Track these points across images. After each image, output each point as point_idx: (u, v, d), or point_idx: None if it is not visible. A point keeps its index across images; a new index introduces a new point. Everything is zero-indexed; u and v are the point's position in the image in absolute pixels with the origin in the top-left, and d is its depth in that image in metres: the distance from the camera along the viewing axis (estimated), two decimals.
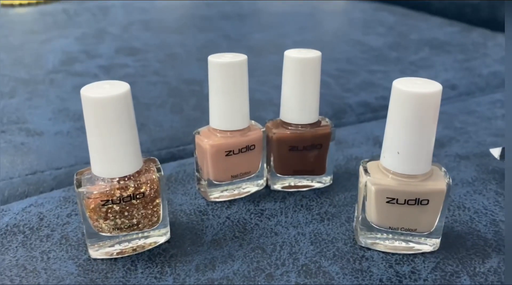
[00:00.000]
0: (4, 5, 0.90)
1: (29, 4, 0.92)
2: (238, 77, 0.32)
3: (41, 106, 0.50)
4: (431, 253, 0.29)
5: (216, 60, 0.31)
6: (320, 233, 0.31)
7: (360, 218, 0.29)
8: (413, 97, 0.25)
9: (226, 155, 0.33)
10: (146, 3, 0.99)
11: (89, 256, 0.29)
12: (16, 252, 0.29)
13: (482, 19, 0.93)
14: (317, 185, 0.36)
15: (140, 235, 0.30)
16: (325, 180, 0.37)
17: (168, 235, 0.30)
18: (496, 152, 0.38)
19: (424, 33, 0.86)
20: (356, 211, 0.30)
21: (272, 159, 0.35)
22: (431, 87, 0.25)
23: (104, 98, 0.25)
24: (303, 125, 0.35)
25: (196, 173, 0.35)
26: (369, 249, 0.29)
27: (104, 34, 0.76)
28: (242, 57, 0.32)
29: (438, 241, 0.29)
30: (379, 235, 0.29)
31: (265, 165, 0.36)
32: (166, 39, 0.75)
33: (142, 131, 0.46)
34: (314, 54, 0.33)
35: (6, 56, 0.65)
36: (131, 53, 0.66)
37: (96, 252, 0.29)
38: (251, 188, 0.36)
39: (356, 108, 0.54)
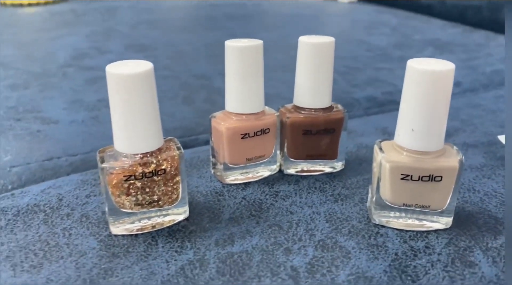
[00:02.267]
0: (13, 5, 0.92)
1: (37, 4, 0.94)
2: (254, 61, 0.33)
3: (55, 97, 0.51)
4: (444, 230, 0.30)
5: (234, 44, 0.32)
6: (334, 212, 0.32)
7: (374, 198, 0.30)
8: (427, 74, 0.26)
9: (242, 138, 0.34)
10: (152, 4, 1.01)
11: (110, 233, 0.30)
12: (38, 229, 0.30)
13: (483, 21, 0.95)
14: (329, 170, 0.37)
15: (159, 212, 0.30)
16: (337, 165, 0.37)
17: (187, 213, 0.31)
18: (504, 139, 0.39)
19: (427, 34, 0.88)
20: (370, 192, 0.31)
21: (286, 143, 0.36)
22: (444, 66, 0.26)
23: (129, 75, 0.26)
24: (316, 110, 0.35)
25: (212, 158, 0.36)
26: (383, 226, 0.30)
27: (113, 32, 0.77)
28: (258, 42, 0.33)
29: (450, 219, 0.30)
30: (392, 214, 0.30)
31: (278, 150, 0.37)
32: (174, 38, 0.76)
33: None
34: (328, 39, 0.34)
35: (17, 52, 0.66)
36: (140, 50, 0.67)
37: (117, 229, 0.30)
38: (264, 172, 0.36)
39: (363, 103, 0.55)
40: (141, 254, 0.28)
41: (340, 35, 0.87)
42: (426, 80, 0.26)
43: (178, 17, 0.95)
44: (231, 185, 0.35)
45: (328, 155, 0.37)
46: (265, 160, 0.36)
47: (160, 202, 0.30)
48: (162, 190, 0.29)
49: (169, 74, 0.58)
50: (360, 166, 0.38)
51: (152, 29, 0.81)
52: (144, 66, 0.27)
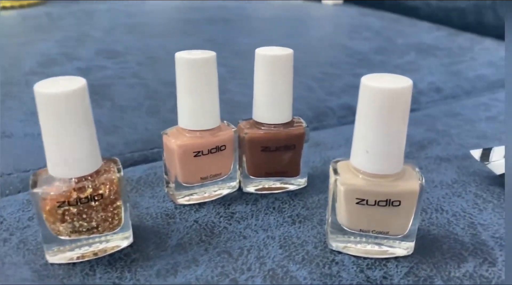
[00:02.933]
0: None
1: (12, 7, 0.91)
2: (206, 74, 0.31)
3: (13, 108, 0.48)
4: (404, 257, 0.28)
5: (184, 56, 0.30)
6: (290, 236, 0.30)
7: (330, 220, 0.28)
8: (381, 92, 0.24)
9: (195, 156, 0.32)
10: (132, 8, 0.98)
11: (47, 261, 0.27)
12: None
13: (469, 24, 0.93)
14: (291, 187, 0.35)
15: (101, 238, 0.28)
16: (300, 182, 0.35)
17: (131, 239, 0.29)
18: (476, 154, 0.37)
19: (411, 37, 0.86)
20: (327, 213, 0.29)
21: (244, 160, 0.34)
22: (400, 83, 0.24)
23: (57, 94, 0.24)
24: (276, 125, 0.33)
25: (165, 176, 0.34)
26: (340, 252, 0.28)
27: (86, 37, 0.75)
28: (210, 54, 0.31)
29: (412, 244, 0.28)
30: (351, 239, 0.28)
31: (237, 166, 0.35)
32: (149, 43, 0.74)
33: (115, 134, 0.44)
34: (286, 51, 0.32)
35: None
36: (111, 56, 0.65)
37: (54, 257, 0.27)
38: (222, 190, 0.34)
39: (337, 111, 0.53)
40: None
41: (321, 39, 0.85)
42: (381, 99, 0.24)
43: (157, 21, 0.92)
44: (184, 205, 0.33)
45: (289, 171, 0.35)
46: (223, 178, 0.34)
47: (99, 228, 0.28)
48: (101, 216, 0.27)
49: (137, 82, 0.56)
50: (324, 182, 0.36)
51: (127, 33, 0.79)
52: (75, 83, 0.25)
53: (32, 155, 0.40)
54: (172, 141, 0.31)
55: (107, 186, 0.27)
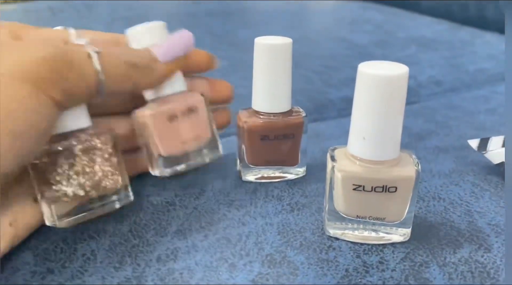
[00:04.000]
0: None
1: (14, 1, 0.91)
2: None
3: None
4: (401, 243, 0.28)
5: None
6: (288, 223, 0.30)
7: (327, 207, 0.28)
8: (378, 79, 0.24)
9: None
10: (130, 1, 0.98)
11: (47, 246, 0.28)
12: None
13: (470, 17, 0.93)
14: (290, 176, 0.36)
15: None
16: (299, 171, 0.36)
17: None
18: (474, 144, 0.37)
19: (411, 31, 0.86)
20: (324, 200, 0.29)
21: (244, 149, 0.34)
22: (396, 70, 0.25)
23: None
24: (275, 114, 0.34)
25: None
26: (337, 239, 0.28)
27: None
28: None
29: (408, 231, 0.28)
30: (348, 225, 0.28)
31: (245, 156, 0.35)
32: None
33: None
34: (285, 40, 0.32)
35: None
36: None
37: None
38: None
39: (338, 103, 0.54)
40: (77, 270, 0.26)
41: (321, 32, 0.85)
42: (377, 86, 0.25)
43: (157, 14, 0.93)
44: (184, 193, 0.33)
45: (288, 160, 0.35)
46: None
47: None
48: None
49: None
50: (323, 172, 0.36)
51: (128, 26, 0.79)
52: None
53: None
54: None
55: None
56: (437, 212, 0.31)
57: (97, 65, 0.25)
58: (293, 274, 0.25)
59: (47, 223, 0.27)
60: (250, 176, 0.35)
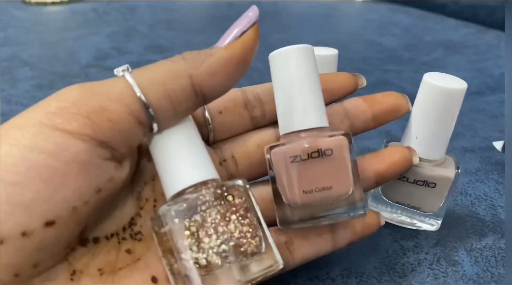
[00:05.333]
0: (38, 3, 0.96)
1: (61, 3, 0.97)
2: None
3: None
4: (433, 231, 0.32)
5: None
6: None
7: (373, 191, 0.33)
8: (440, 90, 0.28)
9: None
10: (169, 3, 1.04)
11: None
12: None
13: (497, 21, 0.96)
14: None
15: None
16: None
17: None
18: (498, 145, 0.41)
19: (438, 34, 0.89)
20: None
21: None
22: (457, 84, 0.29)
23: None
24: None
25: None
26: None
27: (133, 32, 0.80)
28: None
29: (439, 222, 0.32)
30: (386, 208, 0.33)
31: None
32: (190, 38, 0.79)
33: None
34: (331, 52, 0.37)
35: (42, 51, 0.69)
36: (159, 51, 0.70)
37: None
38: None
39: None
40: None
41: (351, 35, 0.89)
42: (438, 96, 0.29)
43: (194, 17, 0.98)
44: None
45: None
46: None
47: None
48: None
49: None
50: None
51: (169, 29, 0.84)
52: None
53: None
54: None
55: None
56: (464, 205, 0.35)
57: (128, 77, 0.20)
58: (341, 253, 0.30)
59: None
60: None
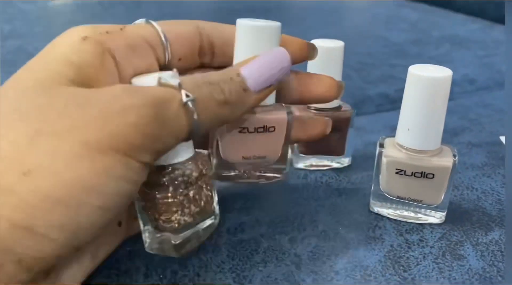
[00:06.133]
0: None
1: None
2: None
3: None
4: (438, 225, 0.32)
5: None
6: (338, 206, 0.34)
7: (373, 188, 0.32)
8: (425, 80, 0.28)
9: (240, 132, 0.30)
10: None
11: None
12: None
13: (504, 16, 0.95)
14: (336, 165, 0.40)
15: None
16: (344, 161, 0.40)
17: None
18: (505, 139, 0.41)
19: (445, 29, 0.88)
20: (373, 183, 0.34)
21: None
22: (442, 73, 0.28)
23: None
24: (325, 110, 0.38)
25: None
26: (382, 219, 0.33)
27: None
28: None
29: (444, 214, 0.32)
30: (392, 205, 0.32)
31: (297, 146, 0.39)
32: None
33: None
34: (337, 44, 0.36)
35: None
36: None
37: None
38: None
39: (375, 99, 0.57)
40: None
41: (357, 30, 0.89)
42: (424, 86, 0.29)
43: (199, 11, 0.97)
44: None
45: (336, 151, 0.39)
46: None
47: None
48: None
49: None
50: (366, 162, 0.40)
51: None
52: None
53: None
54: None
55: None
56: (470, 200, 0.35)
57: (194, 115, 0.22)
58: (345, 247, 0.30)
59: (154, 251, 0.28)
60: (301, 164, 0.40)
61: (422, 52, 0.75)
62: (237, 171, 0.32)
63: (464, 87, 0.63)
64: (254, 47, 0.28)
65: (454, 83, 0.64)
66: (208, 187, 0.29)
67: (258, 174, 0.33)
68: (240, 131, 0.30)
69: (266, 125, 0.30)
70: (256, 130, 0.30)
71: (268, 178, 0.33)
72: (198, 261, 0.29)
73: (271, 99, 0.30)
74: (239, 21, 0.28)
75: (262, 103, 0.28)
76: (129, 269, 0.28)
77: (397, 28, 0.88)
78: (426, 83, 0.29)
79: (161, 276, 0.28)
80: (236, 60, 0.29)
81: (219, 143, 0.31)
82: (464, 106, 0.55)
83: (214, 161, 0.31)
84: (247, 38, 0.28)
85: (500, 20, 0.95)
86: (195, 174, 0.27)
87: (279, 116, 0.31)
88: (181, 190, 0.26)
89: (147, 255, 0.29)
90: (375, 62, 0.68)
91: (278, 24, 0.29)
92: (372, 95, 0.58)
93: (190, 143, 0.28)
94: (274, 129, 0.31)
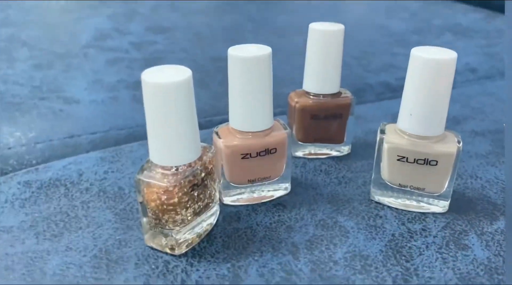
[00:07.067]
0: None
1: None
2: (261, 73, 0.29)
3: (76, 77, 0.53)
4: (441, 214, 0.31)
5: (238, 55, 0.29)
6: (337, 194, 0.33)
7: (373, 176, 0.31)
8: (429, 63, 0.27)
9: (243, 158, 0.31)
10: None
11: (125, 207, 0.32)
12: (59, 201, 0.32)
13: None
14: (336, 153, 0.39)
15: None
16: (344, 149, 0.39)
17: None
18: None
19: (447, 19, 0.87)
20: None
21: (294, 127, 0.37)
22: (447, 55, 0.27)
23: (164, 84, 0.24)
24: (324, 95, 0.37)
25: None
26: (383, 208, 0.31)
27: (134, 14, 0.79)
28: (266, 51, 0.29)
29: (447, 203, 0.31)
30: (394, 194, 0.31)
31: (295, 133, 0.38)
32: (193, 20, 0.77)
33: None
34: (337, 27, 0.35)
35: (42, 33, 0.68)
36: (160, 32, 0.69)
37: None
38: (275, 192, 0.33)
39: (376, 88, 0.56)
40: None
41: (359, 19, 0.87)
42: (427, 69, 0.27)
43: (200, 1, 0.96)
44: None
45: (335, 139, 0.38)
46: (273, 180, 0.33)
47: None
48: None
49: (186, 57, 0.60)
50: (366, 150, 0.39)
51: (171, 11, 0.82)
52: (182, 73, 0.25)
53: (98, 118, 0.45)
54: (220, 141, 0.30)
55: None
56: (474, 188, 0.34)
57: None
58: (344, 236, 0.29)
59: (153, 245, 0.28)
60: (299, 152, 0.38)
61: (423, 41, 0.74)
62: (243, 191, 0.32)
63: (466, 76, 0.62)
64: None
65: (456, 72, 0.63)
66: (212, 182, 0.29)
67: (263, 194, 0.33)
68: (243, 158, 0.31)
69: (268, 148, 0.31)
70: (259, 154, 0.31)
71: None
72: (192, 251, 0.28)
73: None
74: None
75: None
76: (120, 258, 0.27)
77: (398, 17, 0.86)
78: (430, 65, 0.27)
79: (153, 266, 0.27)
80: None
81: (224, 168, 0.31)
82: (466, 95, 0.54)
83: (221, 182, 0.32)
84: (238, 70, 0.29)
85: (503, 10, 0.93)
86: (202, 175, 0.27)
87: (279, 137, 0.31)
88: (186, 191, 0.26)
89: (139, 244, 0.28)
90: (376, 51, 0.67)
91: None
92: (372, 83, 0.57)
93: (198, 140, 0.27)
94: (276, 150, 0.31)
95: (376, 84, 0.57)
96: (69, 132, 0.43)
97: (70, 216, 0.31)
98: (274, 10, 0.89)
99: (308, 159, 0.38)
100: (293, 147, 0.38)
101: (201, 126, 0.46)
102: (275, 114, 0.32)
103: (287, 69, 0.57)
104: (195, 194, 0.27)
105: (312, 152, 0.38)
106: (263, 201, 0.32)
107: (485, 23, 0.86)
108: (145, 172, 0.27)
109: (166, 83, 0.24)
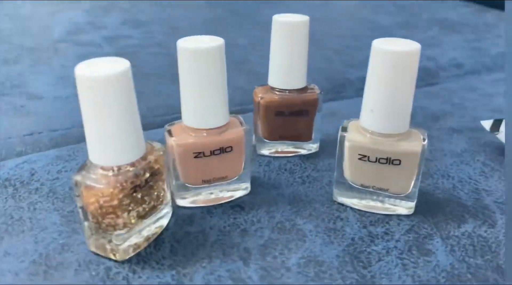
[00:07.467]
0: None
1: None
2: (213, 66, 0.27)
3: (43, 72, 0.51)
4: (407, 216, 0.29)
5: (187, 47, 0.27)
6: (299, 195, 0.31)
7: (335, 175, 0.29)
8: (389, 55, 0.25)
9: (195, 157, 0.29)
10: None
11: (73, 209, 0.30)
12: (6, 203, 0.31)
13: (498, 0, 0.91)
14: (303, 152, 0.37)
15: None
16: (312, 147, 0.37)
17: None
18: (487, 124, 0.38)
19: (436, 13, 0.85)
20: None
21: (259, 124, 0.36)
22: (409, 46, 0.25)
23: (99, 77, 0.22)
24: (290, 91, 0.35)
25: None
26: (345, 209, 0.30)
27: (113, 7, 0.77)
28: (218, 42, 0.27)
29: (413, 204, 0.29)
30: (354, 193, 0.29)
31: (260, 130, 0.36)
32: (172, 13, 0.75)
33: (139, 99, 0.46)
34: (302, 18, 0.33)
35: (14, 26, 0.66)
36: (136, 26, 0.67)
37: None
38: (234, 192, 0.31)
39: (356, 83, 0.54)
40: None
41: (344, 12, 0.85)
42: (388, 61, 0.25)
43: None
44: None
45: (303, 136, 0.36)
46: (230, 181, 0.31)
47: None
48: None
49: (161, 51, 0.58)
50: (335, 148, 0.37)
51: (152, 4, 0.80)
52: (119, 65, 0.23)
53: (61, 115, 0.43)
54: (172, 139, 0.28)
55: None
56: (445, 189, 0.32)
57: None
58: (301, 240, 0.27)
59: (95, 250, 0.26)
60: (265, 150, 0.37)
61: (409, 35, 0.71)
62: (199, 192, 0.30)
63: (451, 71, 0.60)
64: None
65: (440, 67, 0.61)
66: (161, 183, 0.27)
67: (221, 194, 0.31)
68: (195, 157, 0.29)
69: (223, 147, 0.29)
70: (213, 153, 0.29)
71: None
72: (136, 257, 0.26)
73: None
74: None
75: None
76: (60, 264, 0.25)
77: (385, 11, 0.84)
78: (391, 58, 0.25)
79: (93, 273, 0.25)
80: None
81: (177, 168, 0.29)
82: (449, 90, 0.52)
83: (173, 183, 0.30)
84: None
85: (493, 4, 0.91)
86: (146, 176, 0.25)
87: (235, 134, 0.29)
88: (127, 193, 0.24)
89: (82, 249, 0.26)
90: (360, 45, 0.65)
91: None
92: (353, 79, 0.55)
93: (141, 138, 0.25)
94: (232, 149, 0.29)
95: (356, 79, 0.55)
96: (29, 129, 0.41)
97: (14, 219, 0.29)
98: (258, 3, 0.87)
99: (274, 157, 0.36)
100: (258, 145, 0.37)
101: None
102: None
103: (266, 63, 0.56)
104: (138, 196, 0.25)
105: (279, 150, 0.37)
106: (221, 202, 0.31)
107: (474, 17, 0.84)
108: (83, 173, 0.25)
109: (100, 76, 0.22)
